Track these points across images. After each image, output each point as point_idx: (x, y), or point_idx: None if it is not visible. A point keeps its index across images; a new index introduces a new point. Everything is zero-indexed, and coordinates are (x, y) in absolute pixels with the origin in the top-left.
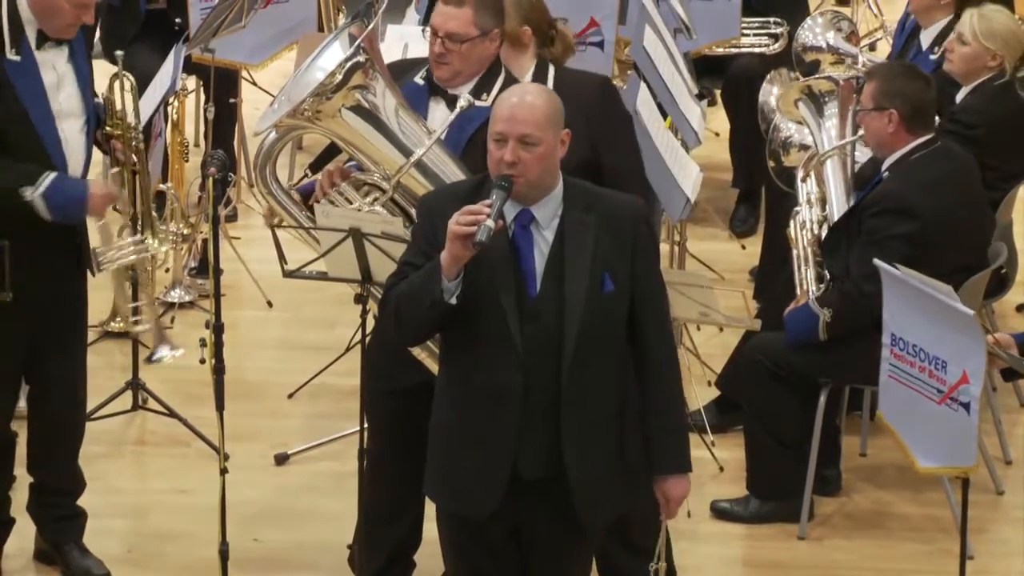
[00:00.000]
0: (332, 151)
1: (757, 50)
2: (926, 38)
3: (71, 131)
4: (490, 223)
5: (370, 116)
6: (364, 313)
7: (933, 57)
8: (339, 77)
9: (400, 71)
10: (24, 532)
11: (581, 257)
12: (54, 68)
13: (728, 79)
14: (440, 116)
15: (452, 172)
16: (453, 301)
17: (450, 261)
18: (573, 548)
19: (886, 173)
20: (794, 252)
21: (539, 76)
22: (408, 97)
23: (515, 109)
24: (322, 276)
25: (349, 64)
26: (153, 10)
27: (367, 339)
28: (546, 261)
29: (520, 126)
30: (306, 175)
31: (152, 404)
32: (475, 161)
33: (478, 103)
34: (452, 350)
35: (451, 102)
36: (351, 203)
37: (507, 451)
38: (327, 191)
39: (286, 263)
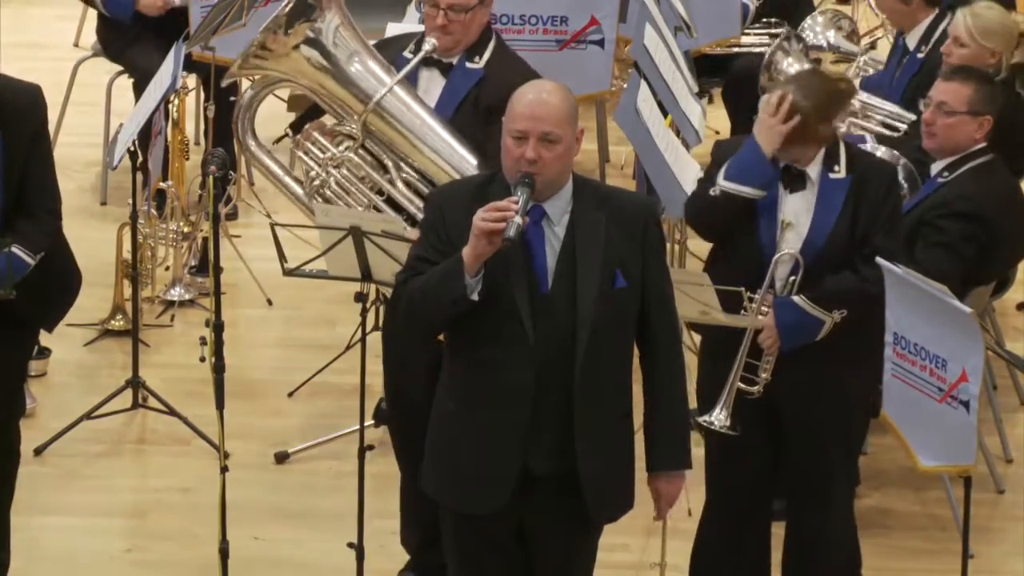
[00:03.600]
0: (313, 113)
1: (758, 50)
2: (912, 39)
3: None
4: (519, 220)
5: (325, 51)
6: (364, 311)
7: (920, 56)
8: (288, 7)
9: (392, 44)
10: None
11: (592, 253)
12: None
13: (729, 78)
14: (433, 84)
15: (416, 113)
16: (475, 297)
17: (474, 257)
18: (580, 544)
19: (945, 174)
20: None
21: (833, 152)
22: (400, 70)
23: (535, 107)
24: (322, 274)
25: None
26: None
27: (371, 333)
28: (557, 257)
29: (542, 124)
30: (287, 134)
31: (152, 402)
32: (466, 124)
33: (468, 64)
34: (461, 346)
35: (445, 70)
36: (324, 153)
37: (518, 447)
38: (303, 143)
39: (286, 261)
